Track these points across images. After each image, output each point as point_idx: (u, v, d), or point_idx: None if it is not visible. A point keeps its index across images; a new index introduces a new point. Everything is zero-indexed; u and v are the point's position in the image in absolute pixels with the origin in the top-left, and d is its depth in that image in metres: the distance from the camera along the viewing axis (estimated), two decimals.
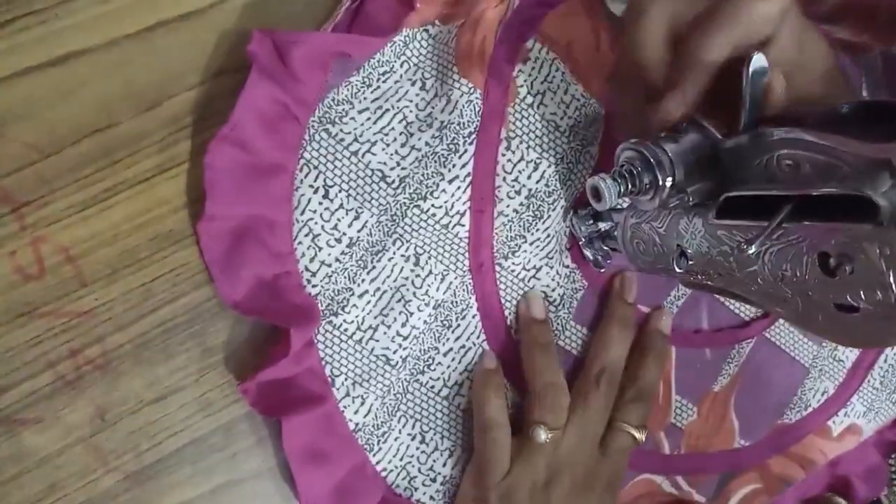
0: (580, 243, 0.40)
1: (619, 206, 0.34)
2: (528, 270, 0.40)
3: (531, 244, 0.40)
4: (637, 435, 0.40)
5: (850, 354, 0.47)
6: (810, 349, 0.47)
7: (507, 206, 0.39)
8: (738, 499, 0.46)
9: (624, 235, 0.35)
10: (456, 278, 0.39)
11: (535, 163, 0.39)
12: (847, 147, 0.25)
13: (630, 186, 0.30)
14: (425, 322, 0.38)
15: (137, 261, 0.35)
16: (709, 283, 0.31)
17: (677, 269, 0.32)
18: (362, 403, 0.37)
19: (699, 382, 0.45)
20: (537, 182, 0.39)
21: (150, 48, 0.35)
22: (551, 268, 0.40)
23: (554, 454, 0.39)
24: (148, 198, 0.35)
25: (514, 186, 0.39)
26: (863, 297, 0.25)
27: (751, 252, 0.28)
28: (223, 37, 0.36)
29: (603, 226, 0.39)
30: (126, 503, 0.36)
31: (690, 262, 0.31)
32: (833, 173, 0.25)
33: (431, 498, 0.40)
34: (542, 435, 0.38)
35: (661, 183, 0.29)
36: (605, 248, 0.40)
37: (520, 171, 0.39)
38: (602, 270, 0.41)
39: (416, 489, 0.40)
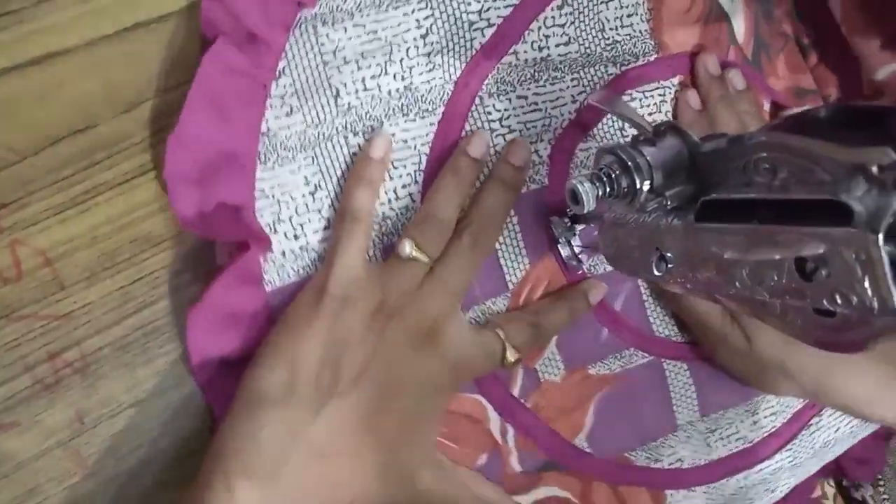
0: (558, 244, 0.40)
1: (597, 210, 0.34)
2: (504, 127, 0.40)
3: (517, 97, 0.40)
4: (508, 353, 0.38)
5: (722, 448, 0.46)
6: (691, 413, 0.45)
7: (519, 56, 0.40)
8: (541, 495, 0.43)
9: (603, 238, 0.35)
10: (440, 79, 0.38)
11: (566, 35, 0.40)
12: (823, 151, 0.25)
13: (608, 190, 0.30)
14: (389, 92, 0.38)
15: (116, 263, 0.35)
16: (688, 286, 0.31)
17: (656, 273, 0.32)
18: (288, 114, 0.36)
19: (580, 351, 0.42)
20: (559, 49, 0.40)
21: (128, 49, 0.34)
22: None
23: (410, 286, 0.37)
24: (127, 200, 0.35)
25: (538, 42, 0.40)
26: (839, 301, 0.24)
27: (727, 258, 0.27)
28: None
29: (580, 228, 0.39)
30: None
31: (670, 266, 0.31)
32: (810, 177, 0.25)
33: (283, 253, 0.37)
34: (408, 248, 0.36)
35: (638, 187, 0.29)
36: (583, 249, 0.40)
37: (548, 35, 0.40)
38: (580, 272, 0.41)
39: (275, 232, 0.37)
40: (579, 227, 0.39)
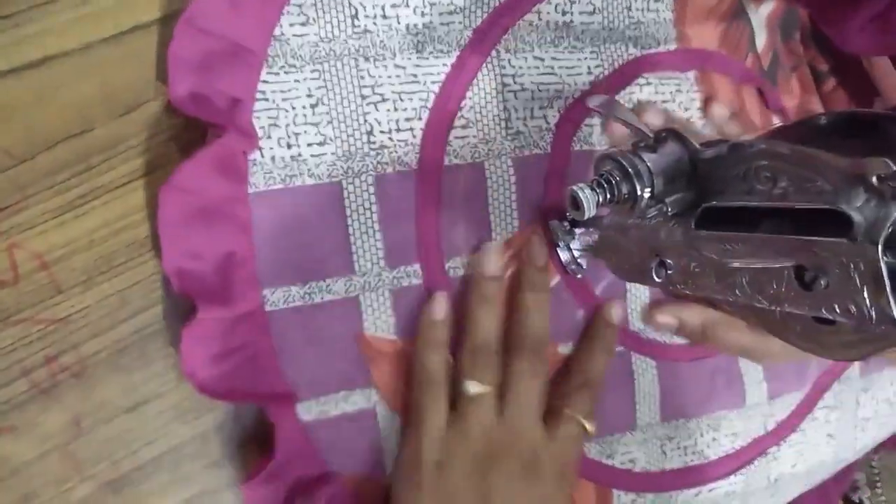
0: (557, 248, 0.40)
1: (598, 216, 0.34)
2: (516, 84, 0.40)
3: (534, 58, 0.40)
4: (586, 424, 0.39)
5: (676, 459, 0.45)
6: (652, 415, 0.44)
7: (542, 15, 0.40)
8: None
9: (603, 244, 0.35)
10: (459, 24, 0.39)
11: (592, 4, 0.41)
12: (823, 161, 0.25)
13: (608, 196, 0.30)
14: (407, 27, 0.38)
15: (113, 267, 0.35)
16: (687, 292, 0.31)
17: (656, 279, 0.32)
18: (304, 24, 0.36)
19: (553, 327, 0.41)
20: (583, 18, 0.41)
21: (126, 52, 0.34)
22: None
23: (491, 421, 0.37)
24: (124, 203, 0.35)
25: (562, 6, 0.40)
26: (837, 311, 0.25)
27: (727, 266, 0.27)
28: None
29: (580, 233, 0.39)
30: None
31: (669, 272, 0.31)
32: (810, 186, 0.25)
33: (272, 159, 0.36)
34: (471, 387, 0.37)
35: (639, 193, 0.29)
36: (583, 253, 0.40)
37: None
38: (579, 276, 0.41)
39: (269, 137, 0.36)
40: (579, 232, 0.39)
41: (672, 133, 0.30)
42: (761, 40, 0.46)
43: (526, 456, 0.38)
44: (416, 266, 0.39)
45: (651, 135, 0.30)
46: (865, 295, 0.23)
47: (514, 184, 0.40)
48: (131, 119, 0.35)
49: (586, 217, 0.30)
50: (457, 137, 0.39)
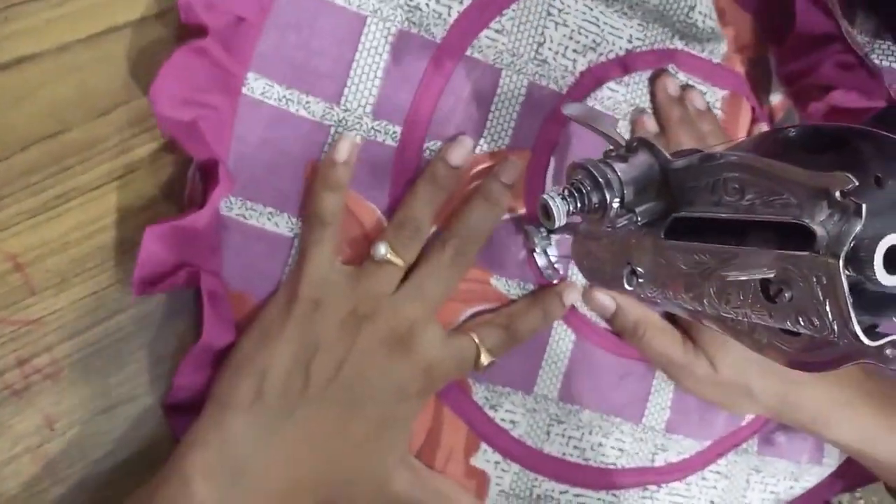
0: (534, 253, 0.40)
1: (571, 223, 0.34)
2: (560, 19, 0.40)
3: (584, 4, 0.41)
4: (483, 356, 0.38)
5: (556, 445, 0.44)
6: (551, 388, 0.43)
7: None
8: None
9: (577, 251, 0.35)
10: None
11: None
12: (789, 174, 0.25)
13: (579, 205, 0.30)
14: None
15: (88, 269, 0.35)
16: (658, 299, 0.31)
17: (627, 287, 0.32)
18: None
19: (495, 257, 0.42)
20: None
21: (102, 54, 0.34)
22: None
23: (384, 289, 0.37)
24: (99, 206, 0.35)
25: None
26: (801, 323, 0.25)
27: (695, 276, 0.28)
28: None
29: (556, 238, 0.39)
30: None
31: (640, 280, 0.31)
32: (776, 199, 0.25)
33: None
34: (382, 250, 0.36)
35: (609, 202, 0.29)
36: (559, 258, 0.40)
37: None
38: (555, 281, 0.41)
39: None
40: (555, 238, 0.40)
41: (643, 143, 0.30)
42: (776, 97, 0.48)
43: (400, 330, 0.37)
44: (398, 129, 0.38)
45: (623, 144, 0.30)
46: (827, 308, 0.24)
47: (520, 104, 0.40)
48: (107, 121, 0.35)
49: (556, 226, 0.30)
50: (487, 37, 0.39)
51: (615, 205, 0.29)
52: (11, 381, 0.34)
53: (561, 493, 0.44)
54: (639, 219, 0.30)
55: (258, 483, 0.34)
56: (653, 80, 0.44)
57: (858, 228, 0.23)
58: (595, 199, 0.29)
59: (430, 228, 0.39)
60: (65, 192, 0.34)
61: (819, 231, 0.23)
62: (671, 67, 0.43)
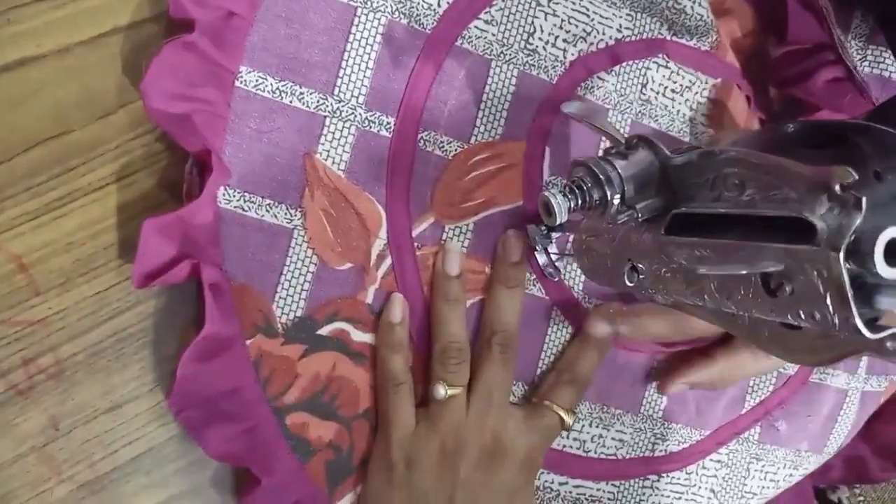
0: (535, 252, 0.41)
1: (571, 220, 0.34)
2: (550, 8, 0.41)
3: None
4: (565, 417, 0.40)
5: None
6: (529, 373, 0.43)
7: None
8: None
9: (577, 248, 0.36)
10: None
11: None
12: (789, 168, 0.25)
13: (580, 202, 0.30)
14: None
15: (92, 269, 0.35)
16: (659, 297, 0.32)
17: (628, 283, 0.32)
18: None
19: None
20: None
21: (104, 55, 0.34)
22: None
23: (460, 418, 0.38)
24: (103, 206, 0.35)
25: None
26: (802, 317, 0.25)
27: (696, 271, 0.28)
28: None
29: (556, 236, 0.39)
30: None
31: (641, 277, 0.32)
32: (776, 194, 0.26)
33: None
34: (441, 391, 0.38)
35: (609, 199, 0.29)
36: (560, 257, 0.40)
37: None
38: (556, 279, 0.42)
39: None
40: (555, 236, 0.40)
41: (643, 139, 0.30)
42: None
43: (489, 445, 0.38)
44: (391, 120, 0.38)
45: (623, 141, 0.31)
46: (828, 302, 0.24)
47: (511, 94, 0.40)
48: (110, 122, 0.35)
49: (558, 223, 0.30)
50: (477, 27, 0.39)
51: (616, 201, 0.29)
52: (16, 380, 0.34)
53: (560, 484, 0.44)
54: (639, 215, 0.30)
55: None
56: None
57: (859, 222, 0.23)
58: (596, 196, 0.30)
59: (467, 340, 0.40)
60: (68, 193, 0.34)
61: (819, 225, 0.24)
62: (661, 57, 0.44)
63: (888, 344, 0.24)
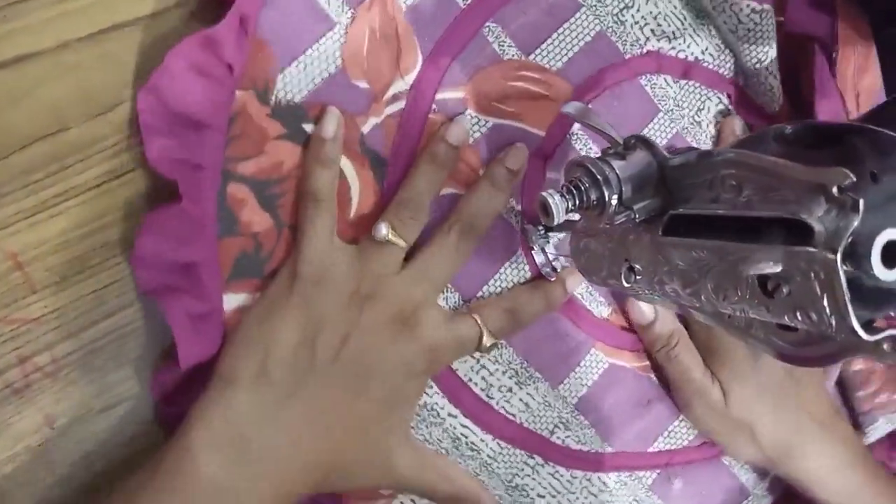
0: (532, 251, 0.41)
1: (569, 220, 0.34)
2: None
3: None
4: (485, 337, 0.39)
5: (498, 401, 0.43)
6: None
7: None
8: None
9: (575, 248, 0.36)
10: None
11: None
12: (786, 170, 0.25)
13: (577, 202, 0.30)
14: None
15: (88, 267, 0.35)
16: (656, 297, 0.32)
17: (625, 284, 0.32)
18: None
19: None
20: None
21: (102, 52, 0.34)
22: None
23: (386, 270, 0.37)
24: (99, 204, 0.35)
25: None
26: (799, 318, 0.25)
27: (692, 272, 0.28)
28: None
29: (554, 236, 0.40)
30: None
31: (638, 277, 0.32)
32: (773, 196, 0.26)
33: None
34: (384, 230, 0.36)
35: (607, 200, 0.29)
36: (557, 256, 0.40)
37: None
38: (552, 279, 0.42)
39: None
40: (553, 235, 0.40)
41: (641, 140, 0.30)
42: None
43: (405, 311, 0.37)
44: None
45: (621, 142, 0.31)
46: (825, 303, 0.24)
47: (584, 43, 0.42)
48: (107, 120, 0.35)
49: (555, 223, 0.30)
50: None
51: (613, 202, 0.30)
52: (12, 379, 0.34)
53: (450, 415, 0.42)
54: (637, 216, 0.30)
55: (263, 458, 0.34)
56: (719, 126, 0.45)
57: (856, 224, 0.23)
58: (593, 197, 0.30)
59: (429, 209, 0.39)
60: (64, 191, 0.34)
61: (817, 227, 0.24)
62: (725, 94, 0.45)
63: (885, 346, 0.24)
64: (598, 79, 0.42)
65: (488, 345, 0.39)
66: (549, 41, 0.41)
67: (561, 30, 0.41)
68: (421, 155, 0.39)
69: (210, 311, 0.35)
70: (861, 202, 0.23)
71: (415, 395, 0.39)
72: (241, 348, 0.35)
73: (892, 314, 0.26)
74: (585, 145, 0.42)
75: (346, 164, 0.38)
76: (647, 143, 0.30)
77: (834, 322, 0.24)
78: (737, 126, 0.45)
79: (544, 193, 0.30)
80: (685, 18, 0.43)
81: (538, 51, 0.41)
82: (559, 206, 0.30)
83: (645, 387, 0.46)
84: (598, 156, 0.30)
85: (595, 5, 0.41)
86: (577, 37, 0.41)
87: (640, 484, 0.46)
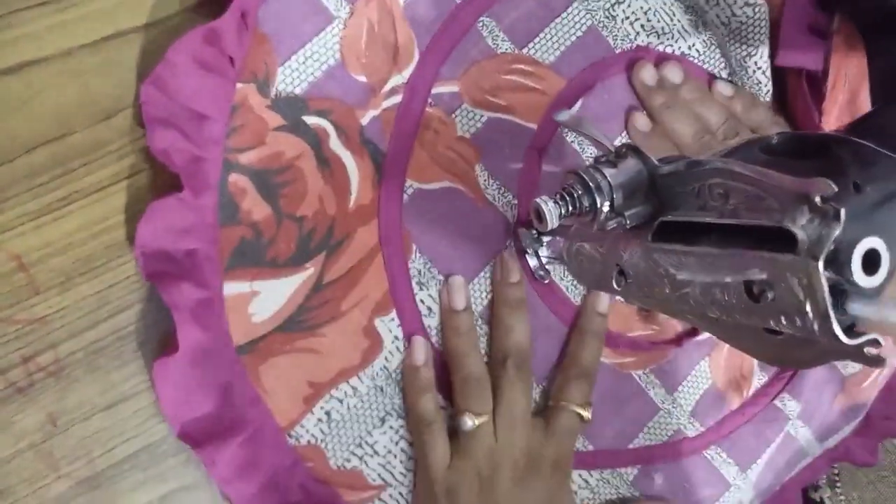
0: (526, 255, 0.42)
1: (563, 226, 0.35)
2: None
3: None
4: (583, 413, 0.41)
5: None
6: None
7: None
8: None
9: (568, 253, 0.37)
10: None
11: None
12: (771, 180, 0.26)
13: (570, 209, 0.31)
14: None
15: (92, 269, 0.35)
16: (646, 301, 0.32)
17: (616, 288, 0.33)
18: None
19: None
20: None
21: (105, 58, 0.35)
22: None
23: (490, 444, 0.39)
24: (103, 207, 0.35)
25: None
26: (784, 322, 0.26)
27: (681, 277, 0.29)
28: None
29: (547, 241, 0.40)
30: None
31: (629, 282, 0.32)
32: (759, 204, 0.26)
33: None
34: (469, 422, 0.39)
35: (599, 206, 0.30)
36: (550, 260, 0.41)
37: None
38: (546, 282, 0.42)
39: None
40: (546, 240, 0.41)
41: (632, 149, 0.31)
42: None
43: (524, 461, 0.40)
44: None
45: (612, 149, 0.32)
46: (808, 308, 0.25)
47: (576, 37, 0.43)
48: (111, 125, 0.35)
49: (549, 228, 0.31)
50: None
51: (605, 208, 0.30)
52: (16, 378, 0.34)
53: None
54: (627, 222, 0.31)
55: None
56: (630, 72, 0.45)
57: (838, 232, 0.24)
58: (586, 203, 0.31)
59: (485, 368, 0.41)
60: (68, 194, 0.35)
61: (800, 235, 0.24)
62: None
63: (866, 349, 0.24)
64: (589, 73, 0.43)
65: (589, 416, 0.42)
66: (542, 35, 0.42)
67: (553, 24, 0.42)
68: (446, 336, 0.41)
69: (210, 297, 0.36)
70: (843, 211, 0.24)
71: (567, 497, 0.42)
72: None
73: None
74: (577, 138, 0.43)
75: (346, 156, 0.39)
76: (637, 152, 0.31)
77: (817, 326, 0.25)
78: (639, 122, 0.45)
79: (538, 200, 0.31)
80: (674, 14, 0.45)
81: (531, 45, 0.42)
82: (553, 213, 0.31)
83: (624, 384, 0.46)
84: (590, 164, 0.31)
85: (587, 0, 0.42)
86: (569, 31, 0.42)
87: (622, 480, 0.47)
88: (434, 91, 0.40)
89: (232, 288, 0.37)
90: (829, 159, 0.27)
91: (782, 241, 0.25)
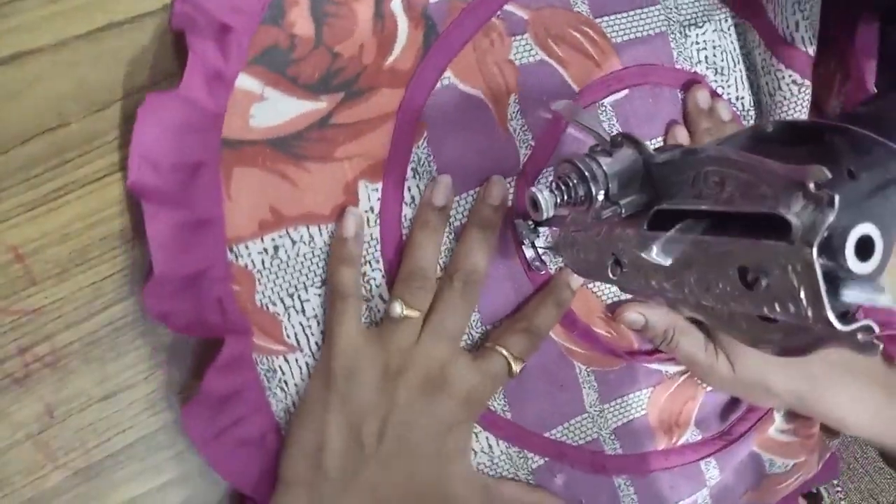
0: (522, 245, 0.42)
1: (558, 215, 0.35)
2: None
3: None
4: (513, 364, 0.40)
5: None
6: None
7: None
8: None
9: (564, 242, 0.37)
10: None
11: None
12: (766, 167, 0.26)
13: (566, 198, 0.31)
14: None
15: (88, 260, 0.35)
16: (642, 289, 0.32)
17: (612, 277, 0.33)
18: None
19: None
20: None
21: (100, 49, 0.35)
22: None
23: (410, 341, 0.39)
24: (99, 198, 0.35)
25: None
26: (778, 309, 0.26)
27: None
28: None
29: (543, 230, 0.40)
30: (73, 500, 0.36)
31: (624, 271, 0.32)
32: (753, 192, 0.26)
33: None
34: (398, 308, 0.38)
35: (594, 195, 0.30)
36: (546, 250, 0.41)
37: None
38: (542, 272, 0.42)
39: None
40: (543, 230, 0.41)
41: (628, 138, 0.31)
42: None
43: (433, 373, 0.39)
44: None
45: (608, 139, 0.32)
46: (802, 295, 0.25)
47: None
48: (106, 115, 0.35)
49: (544, 217, 0.31)
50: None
51: (600, 197, 0.30)
52: (12, 369, 0.35)
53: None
54: (623, 211, 0.31)
55: None
56: (686, 92, 0.46)
57: (831, 219, 0.24)
58: (581, 192, 0.31)
59: (437, 270, 0.40)
60: (64, 185, 0.35)
61: (794, 221, 0.24)
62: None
63: (859, 336, 0.25)
64: (645, 71, 0.44)
65: (518, 370, 0.41)
66: (619, 17, 0.43)
67: (633, 13, 0.43)
68: (413, 226, 0.40)
69: (224, 74, 0.35)
70: (836, 198, 0.23)
71: (464, 441, 0.41)
72: (295, 451, 0.38)
73: (867, 305, 0.26)
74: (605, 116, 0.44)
75: (402, 20, 0.39)
76: (633, 141, 0.31)
77: (811, 313, 0.25)
78: (679, 135, 0.45)
79: (533, 189, 0.31)
80: (736, 63, 0.46)
81: (606, 18, 0.43)
82: (548, 202, 0.31)
83: (564, 370, 0.45)
84: (586, 153, 0.31)
85: (671, 9, 0.43)
86: (643, 26, 0.43)
87: (525, 464, 0.45)
88: (506, 7, 0.41)
89: (245, 82, 0.36)
90: (824, 146, 0.27)
91: (777, 228, 0.25)
